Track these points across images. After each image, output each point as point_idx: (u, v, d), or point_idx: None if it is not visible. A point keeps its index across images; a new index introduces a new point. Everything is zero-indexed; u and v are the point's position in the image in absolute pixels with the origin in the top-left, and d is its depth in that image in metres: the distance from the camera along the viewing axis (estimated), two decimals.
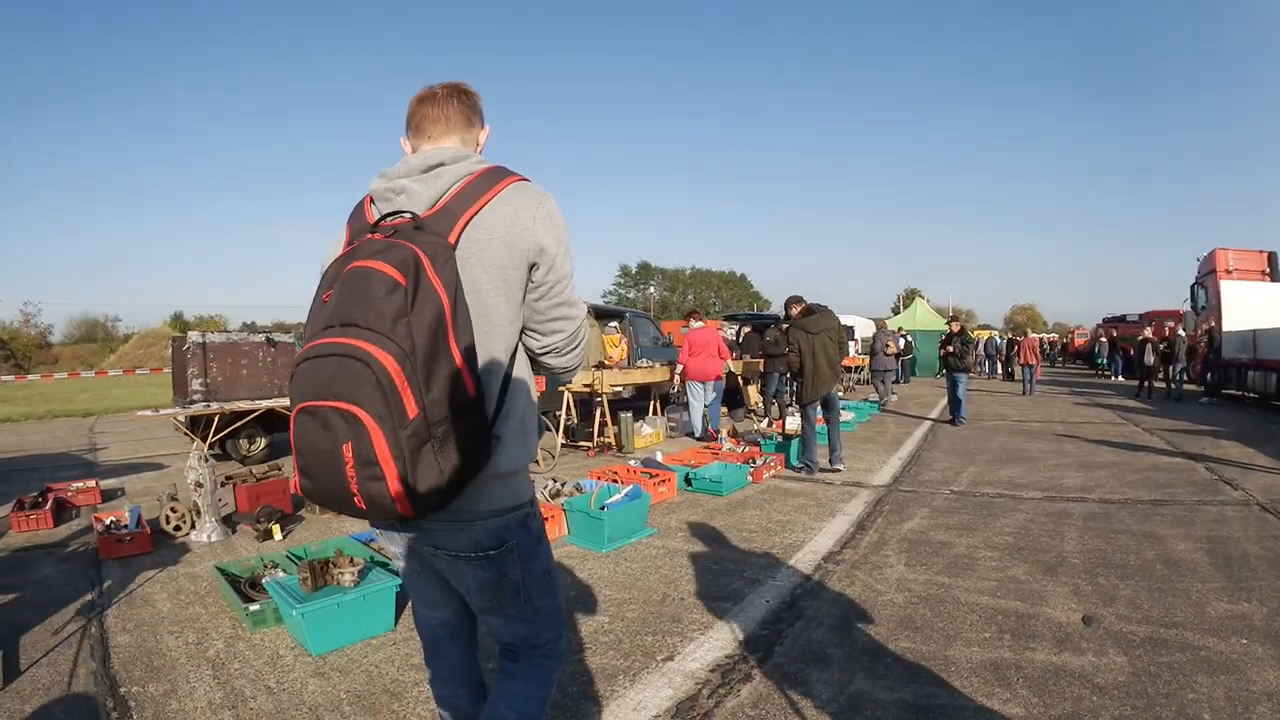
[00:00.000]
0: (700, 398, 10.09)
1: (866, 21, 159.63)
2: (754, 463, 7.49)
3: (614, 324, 12.60)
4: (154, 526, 5.50)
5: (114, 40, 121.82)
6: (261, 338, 9.52)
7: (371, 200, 1.61)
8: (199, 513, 5.51)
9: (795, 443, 8.12)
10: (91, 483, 7.19)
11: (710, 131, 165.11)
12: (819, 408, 7.74)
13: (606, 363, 10.66)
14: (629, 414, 9.30)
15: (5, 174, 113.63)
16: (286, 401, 9.18)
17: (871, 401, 15.59)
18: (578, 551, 5.02)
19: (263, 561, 4.41)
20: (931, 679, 3.27)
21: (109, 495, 7.40)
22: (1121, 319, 33.40)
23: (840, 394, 11.49)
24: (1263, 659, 3.40)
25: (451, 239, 1.45)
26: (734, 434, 9.61)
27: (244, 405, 8.71)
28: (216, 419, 8.37)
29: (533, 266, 1.56)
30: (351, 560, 3.86)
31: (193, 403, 8.57)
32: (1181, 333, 19.11)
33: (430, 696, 2.27)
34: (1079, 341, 43.59)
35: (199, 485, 5.40)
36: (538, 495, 3.77)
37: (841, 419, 10.60)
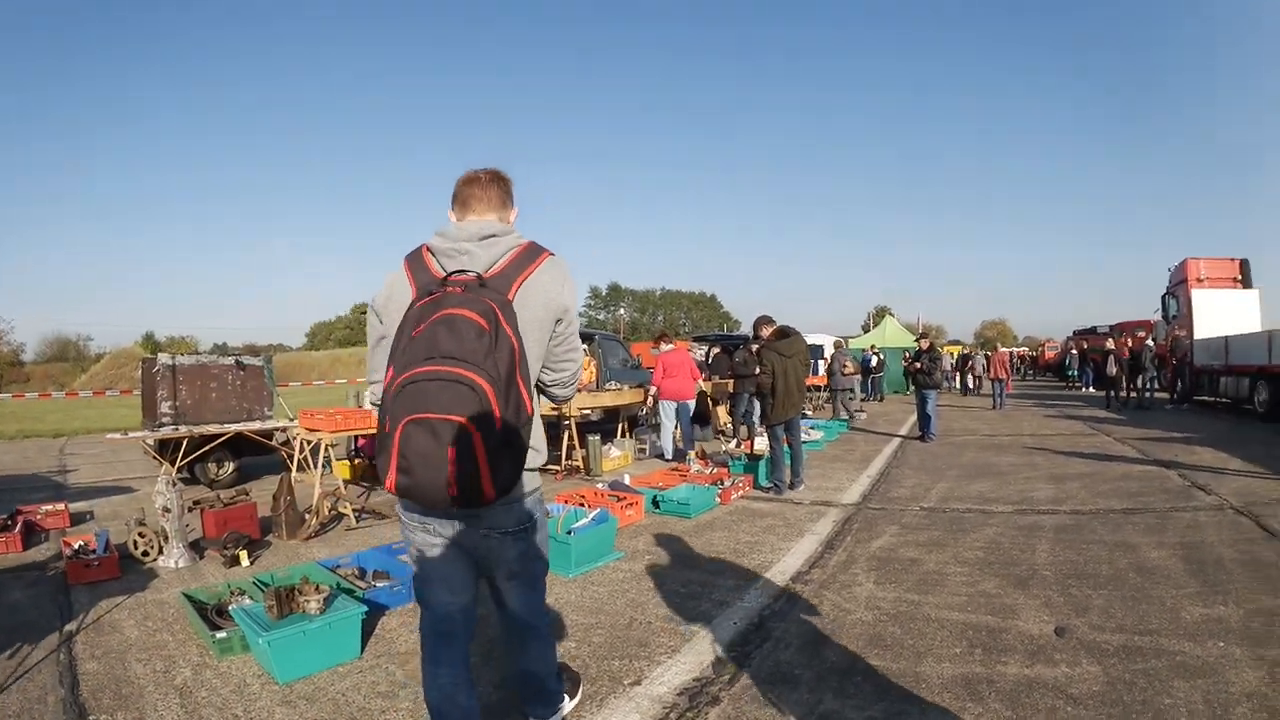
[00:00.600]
0: (672, 419, 10.90)
1: (834, 39, 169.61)
2: (722, 484, 7.88)
3: (583, 346, 12.63)
4: (122, 551, 5.76)
5: (92, 49, 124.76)
6: (231, 360, 10.06)
7: (431, 253, 2.28)
8: (166, 538, 5.77)
9: (764, 463, 8.58)
10: (61, 505, 7.55)
11: (680, 152, 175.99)
12: (784, 428, 8.17)
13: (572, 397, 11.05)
14: (596, 437, 9.80)
15: None
16: (257, 425, 9.65)
17: (841, 420, 16.33)
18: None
19: (230, 588, 4.57)
20: (902, 696, 3.42)
21: (78, 518, 7.74)
22: (1092, 330, 35.67)
23: (810, 413, 11.82)
24: (1241, 660, 3.66)
25: (510, 297, 2.14)
26: (702, 455, 10.05)
27: (212, 429, 9.15)
28: (185, 443, 8.75)
29: (558, 321, 2.32)
30: (317, 587, 4.00)
31: (161, 425, 9.01)
32: (1150, 342, 20.55)
33: None
34: (1049, 354, 46.07)
35: (166, 510, 5.69)
36: None
37: (811, 438, 11.43)
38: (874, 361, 25.97)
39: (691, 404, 11.12)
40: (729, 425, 13.91)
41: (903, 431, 14.96)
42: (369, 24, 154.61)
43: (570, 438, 9.71)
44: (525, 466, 2.18)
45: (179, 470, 8.33)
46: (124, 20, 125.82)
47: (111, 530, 6.28)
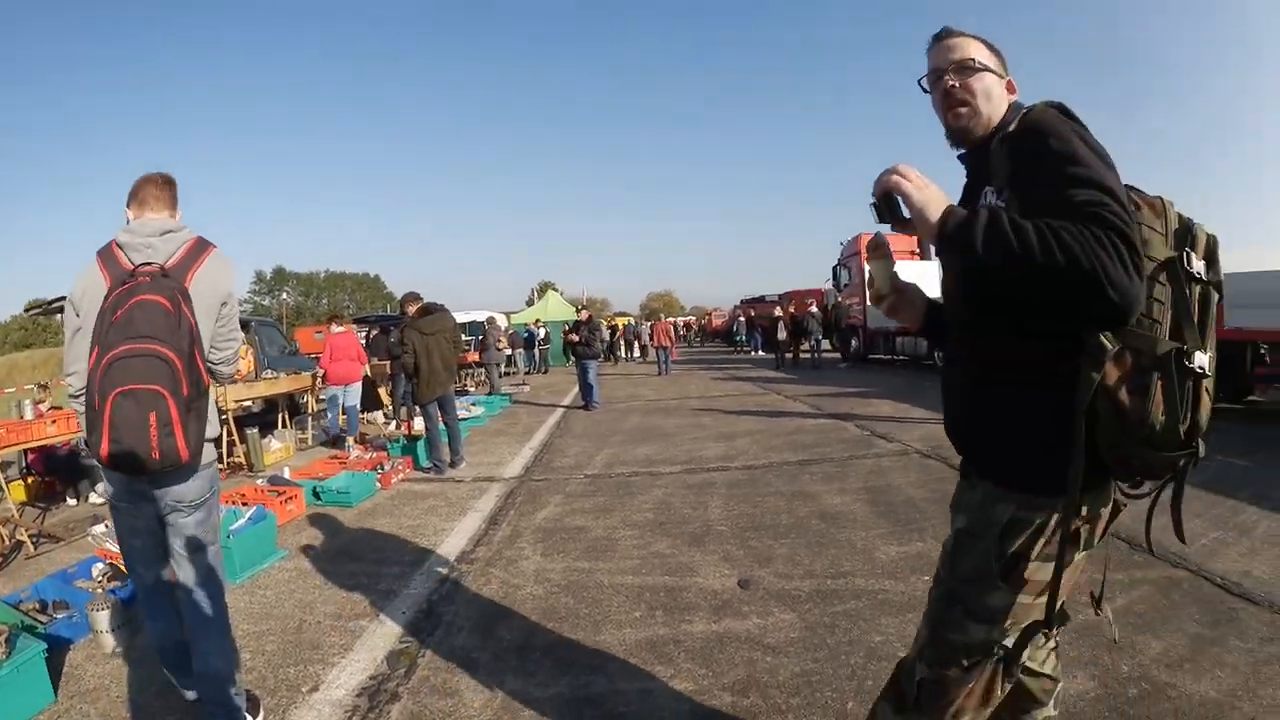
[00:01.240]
0: (339, 402, 11.39)
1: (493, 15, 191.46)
2: (382, 468, 8.19)
3: (242, 335, 12.08)
4: None
5: None
6: None
7: (120, 247, 2.77)
8: None
9: (422, 444, 8.95)
10: None
11: (336, 133, 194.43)
12: (437, 407, 8.58)
13: (233, 376, 10.51)
14: (255, 430, 9.85)
15: None
16: None
17: (504, 394, 16.78)
18: None
19: None
20: (586, 667, 3.39)
21: None
22: (760, 299, 40.21)
23: (473, 389, 12.41)
24: None
25: (186, 284, 2.73)
26: (362, 440, 10.40)
27: None
28: None
29: (223, 305, 2.92)
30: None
31: None
32: (813, 309, 23.66)
33: None
34: (717, 322, 52.01)
35: None
36: None
37: (472, 414, 11.89)
38: (541, 335, 27.75)
39: (358, 387, 11.59)
40: (389, 407, 14.34)
41: (566, 402, 15.48)
42: None
43: (230, 432, 9.56)
44: (208, 435, 2.84)
45: None
46: None
47: None
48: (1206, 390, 1.55)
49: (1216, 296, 1.59)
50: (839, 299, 25.73)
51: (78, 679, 3.78)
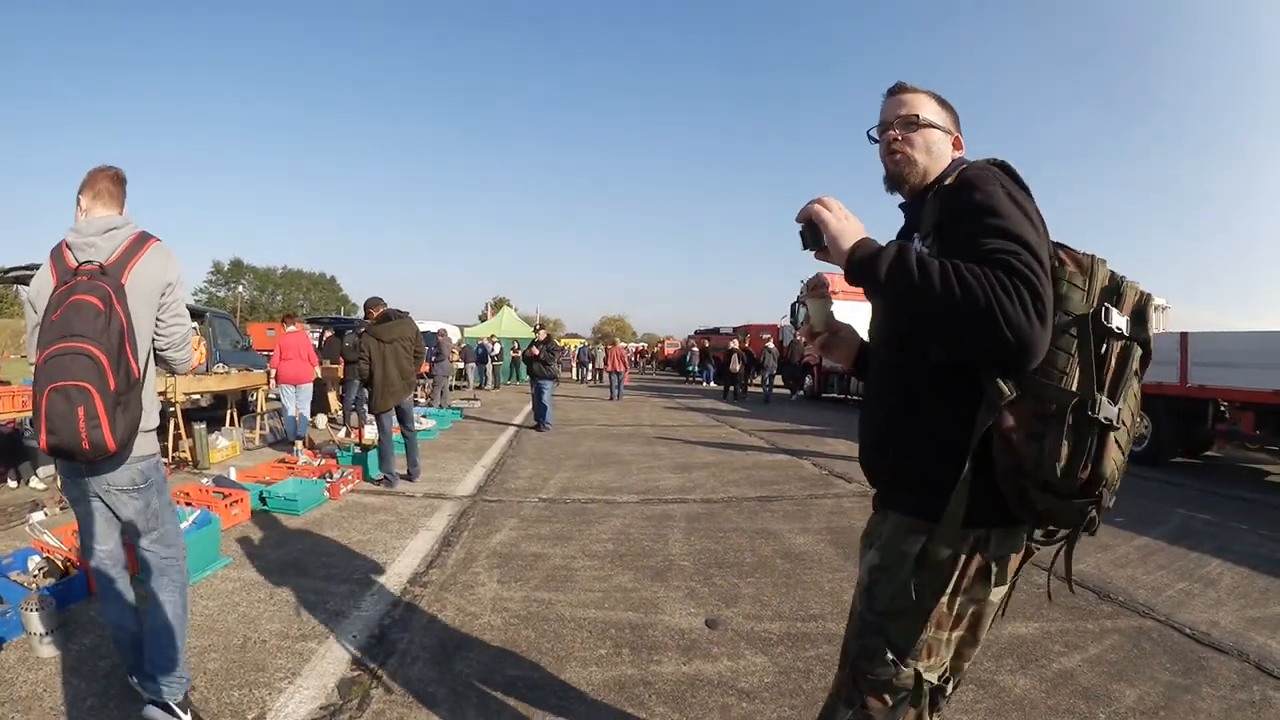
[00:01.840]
0: (293, 401, 11.53)
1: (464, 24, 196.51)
2: (330, 476, 7.97)
3: (194, 324, 12.81)
4: None
5: None
6: None
7: (68, 246, 2.95)
8: None
9: (373, 454, 8.77)
10: None
11: (307, 128, 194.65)
12: (394, 417, 8.52)
13: (189, 361, 10.42)
14: (203, 425, 9.66)
15: None
16: None
17: (455, 408, 16.68)
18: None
19: None
20: (554, 708, 3.24)
21: None
22: (715, 330, 41.08)
23: (423, 401, 12.50)
24: None
25: (123, 281, 2.89)
26: (311, 445, 10.23)
27: None
28: None
29: (163, 293, 3.06)
30: None
31: None
32: (769, 345, 24.36)
33: None
34: (669, 350, 52.68)
35: None
36: None
37: (421, 427, 11.48)
38: (495, 350, 27.99)
39: (309, 388, 11.77)
40: (339, 413, 14.27)
41: (518, 420, 15.34)
42: None
43: (176, 426, 9.45)
44: (143, 426, 3.00)
45: None
46: None
47: None
48: (1117, 442, 1.59)
49: (1139, 352, 1.65)
50: (795, 336, 26.33)
51: (9, 683, 3.59)
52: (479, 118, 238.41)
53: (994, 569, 1.75)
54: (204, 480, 7.74)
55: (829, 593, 4.68)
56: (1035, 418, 1.57)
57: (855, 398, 21.55)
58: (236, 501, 6.59)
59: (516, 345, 29.57)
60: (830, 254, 1.81)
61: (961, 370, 1.65)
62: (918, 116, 1.92)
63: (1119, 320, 1.62)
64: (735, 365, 24.41)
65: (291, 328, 11.90)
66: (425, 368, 21.75)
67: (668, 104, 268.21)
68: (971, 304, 1.46)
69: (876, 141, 2.00)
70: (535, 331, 16.69)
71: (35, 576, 4.61)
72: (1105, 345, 1.61)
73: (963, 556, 1.71)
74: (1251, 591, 4.91)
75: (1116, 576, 5.06)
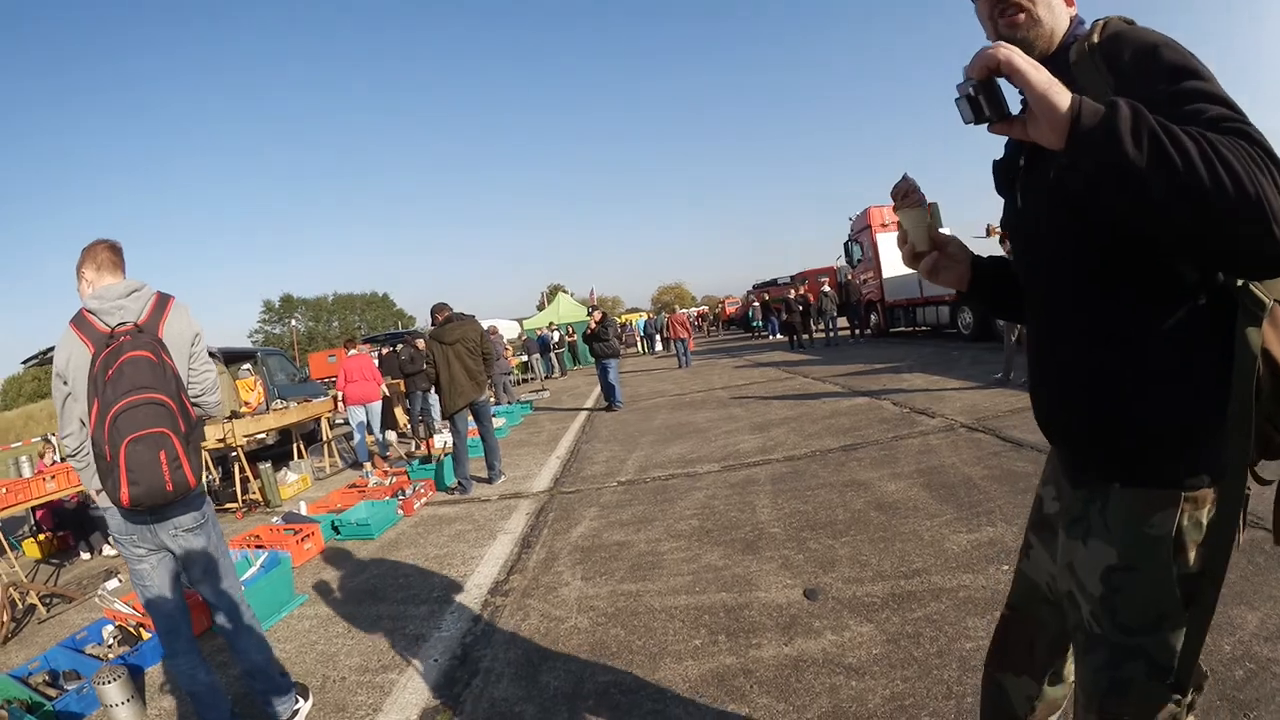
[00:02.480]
0: (363, 423, 11.76)
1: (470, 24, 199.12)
2: (403, 494, 7.99)
3: (246, 366, 13.88)
4: None
5: None
6: None
7: (92, 314, 3.10)
8: None
9: (447, 461, 8.82)
10: None
11: (337, 157, 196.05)
12: (470, 419, 8.57)
13: (242, 410, 11.39)
14: (268, 464, 9.74)
15: None
16: None
17: (524, 402, 16.60)
18: (224, 644, 4.38)
19: None
20: (648, 713, 3.04)
21: None
22: (772, 283, 40.25)
23: (494, 401, 12.57)
24: None
25: (160, 335, 3.15)
26: (380, 463, 10.50)
27: None
28: None
29: (193, 343, 3.33)
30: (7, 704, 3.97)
31: None
32: (826, 289, 23.77)
33: None
34: (730, 310, 52.48)
35: None
36: None
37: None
38: (555, 338, 27.85)
39: (377, 406, 11.94)
40: (408, 426, 14.36)
41: (589, 404, 15.22)
42: None
43: (242, 469, 9.54)
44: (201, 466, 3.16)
45: None
46: None
47: None
48: None
49: None
50: (851, 275, 26.01)
51: None
52: (504, 109, 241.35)
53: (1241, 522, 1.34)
54: (274, 519, 7.78)
55: (929, 542, 4.39)
56: None
57: (923, 328, 21.13)
58: (308, 536, 6.59)
59: (571, 330, 29.66)
60: (1014, 126, 1.28)
61: (1175, 281, 1.29)
62: None
63: None
64: (791, 314, 24.25)
65: (354, 351, 12.21)
66: (512, 363, 22.58)
67: (694, 53, 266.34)
68: (1238, 188, 1.05)
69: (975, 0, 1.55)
70: (589, 313, 16.61)
71: (110, 647, 4.72)
72: None
73: (1209, 515, 1.33)
74: None
75: None
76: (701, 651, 3.48)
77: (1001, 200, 1.72)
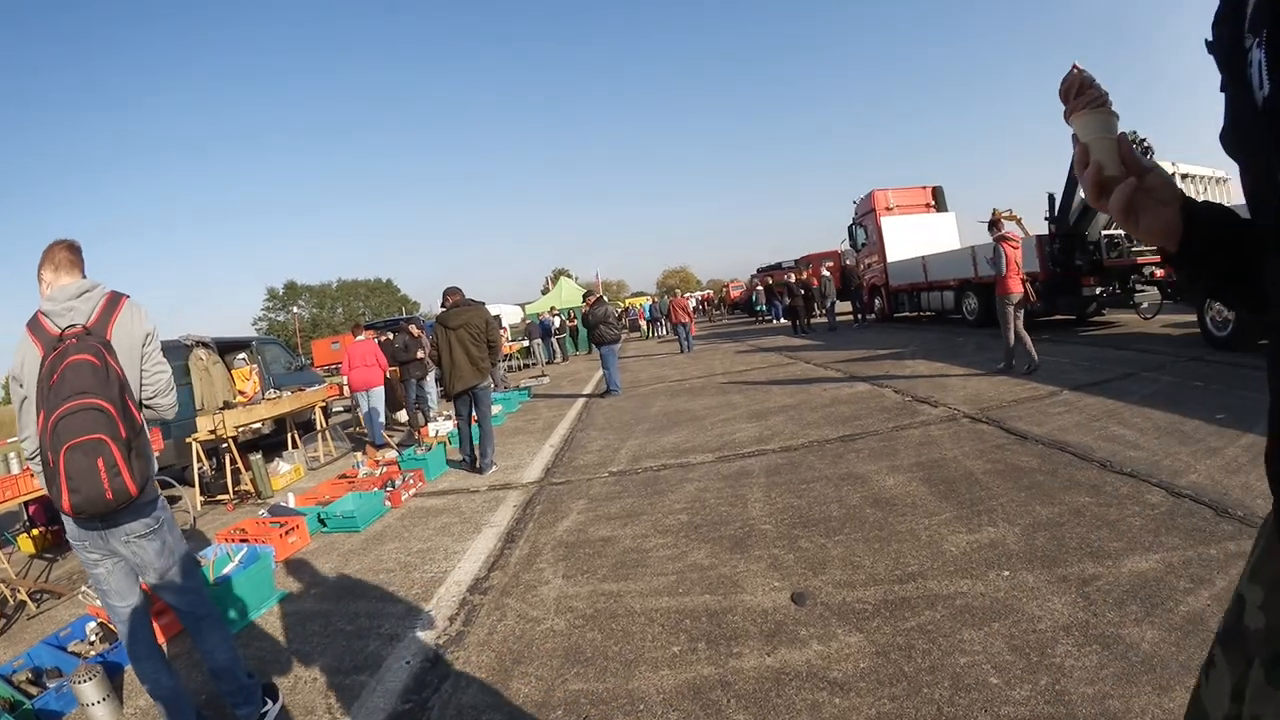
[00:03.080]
0: (369, 405, 12.06)
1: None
2: (391, 485, 7.94)
3: (242, 355, 13.82)
4: None
5: None
6: None
7: (45, 315, 3.13)
8: None
9: (439, 448, 9.32)
10: None
11: (342, 140, 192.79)
12: (470, 404, 8.79)
13: (238, 400, 11.52)
14: (259, 455, 9.78)
15: None
16: None
17: (523, 388, 16.51)
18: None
19: None
20: None
21: None
22: (776, 266, 40.49)
23: (494, 387, 12.72)
24: (1038, 587, 3.46)
25: (108, 337, 3.14)
26: (373, 451, 10.53)
27: None
28: None
29: (144, 343, 3.31)
30: None
31: None
32: (825, 273, 24.02)
33: None
34: (734, 294, 53.10)
35: None
36: None
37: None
38: (555, 323, 27.82)
39: (380, 391, 12.15)
40: (404, 413, 14.44)
41: (588, 390, 15.11)
42: None
43: (233, 459, 9.63)
44: (150, 471, 3.11)
45: None
46: None
47: None
48: None
49: None
50: (855, 259, 25.92)
51: None
52: (511, 92, 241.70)
53: None
54: (261, 512, 7.76)
55: (926, 543, 4.21)
56: None
57: (928, 314, 20.99)
58: (293, 529, 6.53)
59: (573, 314, 29.44)
60: None
61: None
62: None
63: None
64: (790, 299, 24.29)
65: (360, 337, 12.52)
66: (509, 349, 23.42)
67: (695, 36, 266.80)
68: None
69: None
70: (585, 298, 16.47)
71: (92, 644, 4.68)
72: None
73: None
74: None
75: (1231, 486, 4.48)
76: (679, 660, 3.31)
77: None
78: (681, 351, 21.39)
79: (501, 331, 19.59)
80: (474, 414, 8.83)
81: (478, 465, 8.56)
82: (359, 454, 10.73)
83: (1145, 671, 2.72)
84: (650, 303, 40.58)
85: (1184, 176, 11.78)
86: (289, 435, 11.68)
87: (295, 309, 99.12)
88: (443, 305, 9.21)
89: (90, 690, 3.76)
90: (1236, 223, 1.09)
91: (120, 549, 3.18)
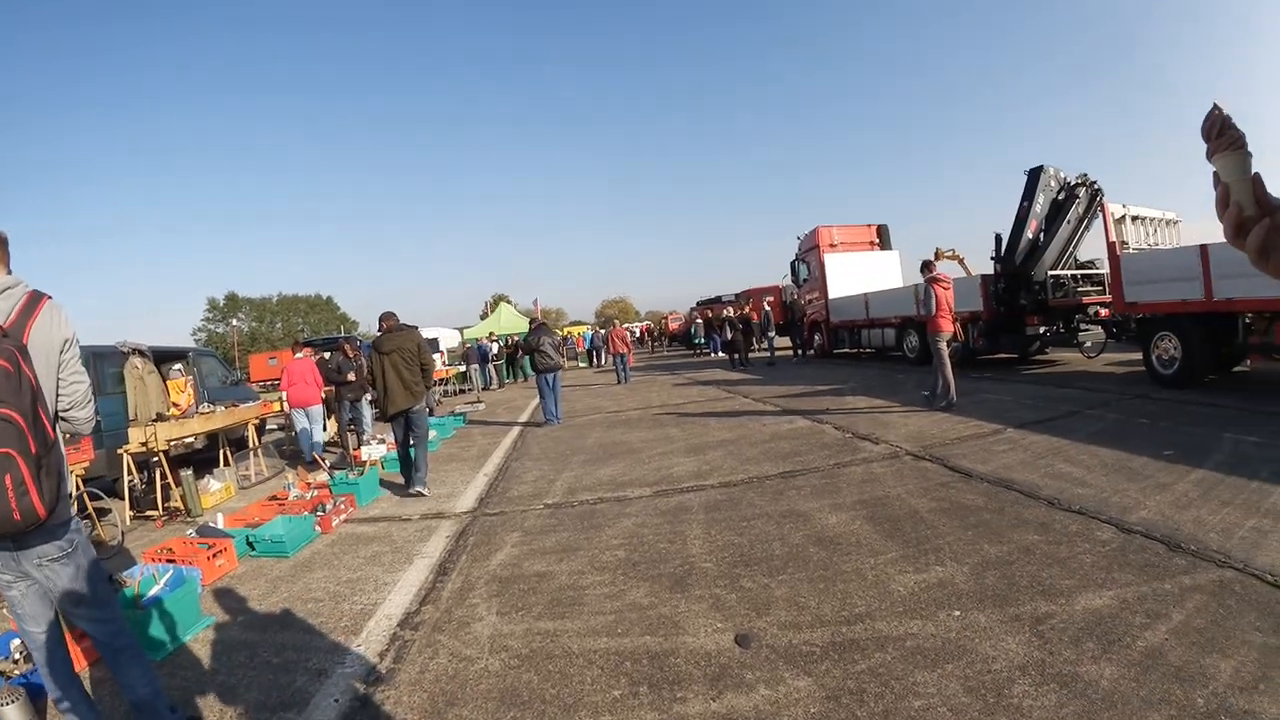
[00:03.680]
0: (305, 424, 12.16)
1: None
2: (322, 509, 7.76)
3: (178, 366, 13.12)
4: None
5: None
6: None
7: None
8: None
9: (372, 472, 9.20)
10: None
11: (288, 154, 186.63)
12: (405, 428, 8.84)
13: (170, 412, 10.99)
14: (189, 471, 9.47)
15: None
16: None
17: (458, 414, 16.32)
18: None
19: None
20: None
21: None
22: (716, 300, 41.13)
23: (430, 410, 12.62)
24: (990, 627, 3.43)
25: (25, 340, 2.92)
26: (306, 472, 10.41)
27: None
28: None
29: (62, 349, 3.13)
30: None
31: None
32: (766, 308, 24.61)
33: None
34: (673, 326, 53.02)
35: None
36: None
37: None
38: (493, 350, 27.58)
39: (318, 409, 12.32)
40: (338, 435, 14.19)
41: (523, 419, 14.97)
42: None
43: (164, 474, 9.31)
44: (64, 491, 2.95)
45: None
46: None
47: None
48: None
49: None
50: (796, 295, 26.34)
51: None
52: (461, 114, 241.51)
53: None
54: (189, 531, 7.48)
55: (873, 582, 4.15)
56: None
57: (867, 350, 21.39)
58: (220, 552, 6.32)
59: (509, 341, 29.38)
60: None
61: None
62: None
63: None
64: (728, 333, 24.50)
65: (300, 355, 12.62)
66: (445, 373, 23.65)
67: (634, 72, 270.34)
68: None
69: None
70: (530, 324, 16.40)
71: (16, 662, 4.42)
72: None
73: None
74: None
75: (1183, 521, 4.59)
76: (620, 705, 3.17)
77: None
78: (619, 382, 21.33)
79: (438, 355, 19.53)
80: (410, 435, 8.80)
81: (411, 490, 8.49)
82: (290, 474, 10.55)
83: (1106, 708, 2.69)
84: (590, 332, 41.07)
85: (1134, 219, 12.17)
86: (221, 451, 11.41)
87: (235, 321, 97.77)
88: (379, 329, 9.24)
89: (12, 714, 3.53)
90: None
91: (33, 572, 2.97)
